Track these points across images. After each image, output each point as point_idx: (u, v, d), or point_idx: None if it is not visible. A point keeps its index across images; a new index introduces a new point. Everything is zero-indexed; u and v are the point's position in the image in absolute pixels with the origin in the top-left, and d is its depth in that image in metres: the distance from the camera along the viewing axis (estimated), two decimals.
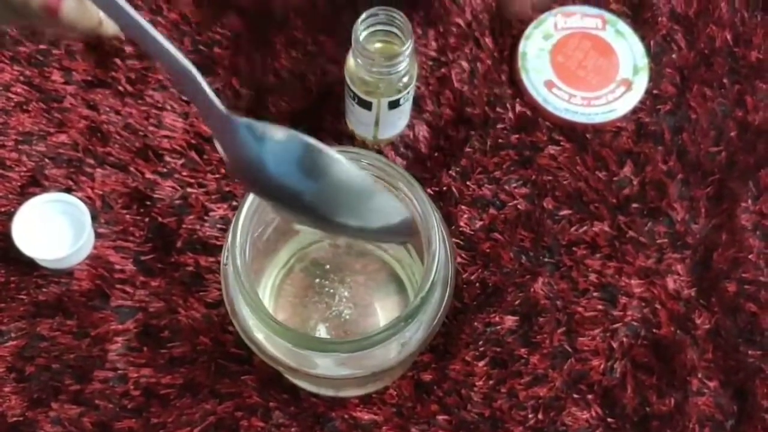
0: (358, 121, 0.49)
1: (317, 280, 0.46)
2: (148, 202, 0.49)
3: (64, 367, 0.46)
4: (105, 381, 0.45)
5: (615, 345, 0.47)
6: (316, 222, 0.30)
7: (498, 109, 0.52)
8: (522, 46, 0.53)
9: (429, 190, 0.50)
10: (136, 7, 0.54)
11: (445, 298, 0.35)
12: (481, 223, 0.50)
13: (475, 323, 0.47)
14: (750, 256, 0.49)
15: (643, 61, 0.53)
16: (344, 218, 0.29)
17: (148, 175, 0.50)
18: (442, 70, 0.53)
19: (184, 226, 0.49)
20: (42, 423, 0.44)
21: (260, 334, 0.35)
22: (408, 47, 0.43)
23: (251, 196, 0.35)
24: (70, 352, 0.46)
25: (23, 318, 0.47)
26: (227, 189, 0.50)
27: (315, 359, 0.34)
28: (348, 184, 0.29)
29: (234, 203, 0.50)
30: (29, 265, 0.47)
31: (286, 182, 0.29)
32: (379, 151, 0.51)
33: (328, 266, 0.47)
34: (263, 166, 0.29)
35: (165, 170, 0.50)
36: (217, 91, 0.51)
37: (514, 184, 0.51)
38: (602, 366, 0.47)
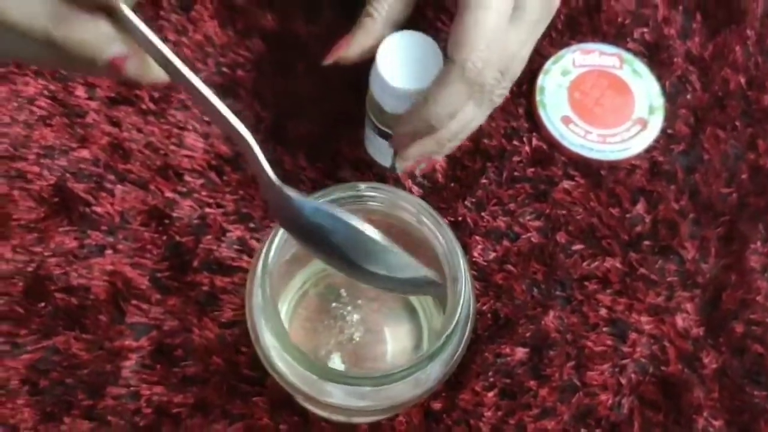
0: (377, 149, 0.50)
1: (333, 305, 0.46)
2: (167, 221, 0.50)
3: (77, 381, 0.46)
4: (117, 397, 0.46)
5: (623, 381, 0.47)
6: (347, 268, 0.31)
7: (515, 142, 0.53)
8: (540, 80, 0.54)
9: (444, 220, 0.50)
10: (161, 28, 0.55)
11: (466, 334, 0.36)
12: (494, 254, 0.50)
13: (486, 353, 0.48)
14: (758, 298, 0.50)
15: (659, 101, 0.54)
16: (373, 267, 0.30)
17: (168, 194, 0.51)
18: None
19: (201, 245, 0.49)
20: None
21: (282, 363, 0.35)
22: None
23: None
24: (84, 367, 0.46)
25: (40, 331, 0.47)
26: (245, 210, 0.51)
27: (334, 390, 0.35)
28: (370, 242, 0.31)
29: (251, 225, 0.50)
30: (48, 279, 0.48)
31: (319, 222, 0.30)
32: (397, 180, 0.52)
33: (343, 290, 0.47)
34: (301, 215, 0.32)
35: (184, 190, 0.51)
36: (238, 114, 0.53)
37: (529, 217, 0.51)
38: (610, 401, 0.47)
